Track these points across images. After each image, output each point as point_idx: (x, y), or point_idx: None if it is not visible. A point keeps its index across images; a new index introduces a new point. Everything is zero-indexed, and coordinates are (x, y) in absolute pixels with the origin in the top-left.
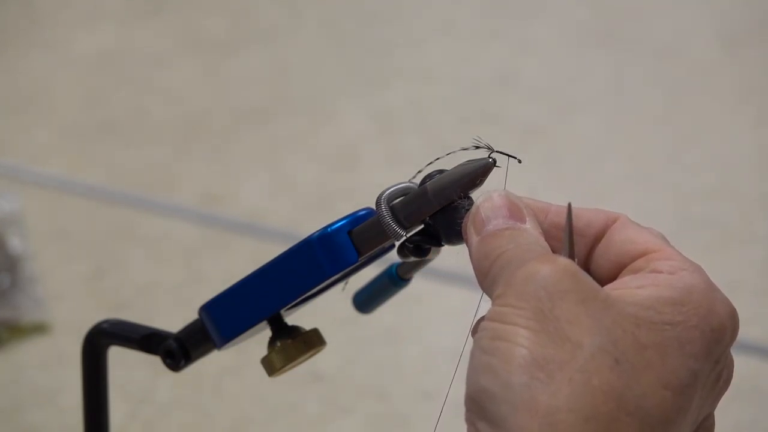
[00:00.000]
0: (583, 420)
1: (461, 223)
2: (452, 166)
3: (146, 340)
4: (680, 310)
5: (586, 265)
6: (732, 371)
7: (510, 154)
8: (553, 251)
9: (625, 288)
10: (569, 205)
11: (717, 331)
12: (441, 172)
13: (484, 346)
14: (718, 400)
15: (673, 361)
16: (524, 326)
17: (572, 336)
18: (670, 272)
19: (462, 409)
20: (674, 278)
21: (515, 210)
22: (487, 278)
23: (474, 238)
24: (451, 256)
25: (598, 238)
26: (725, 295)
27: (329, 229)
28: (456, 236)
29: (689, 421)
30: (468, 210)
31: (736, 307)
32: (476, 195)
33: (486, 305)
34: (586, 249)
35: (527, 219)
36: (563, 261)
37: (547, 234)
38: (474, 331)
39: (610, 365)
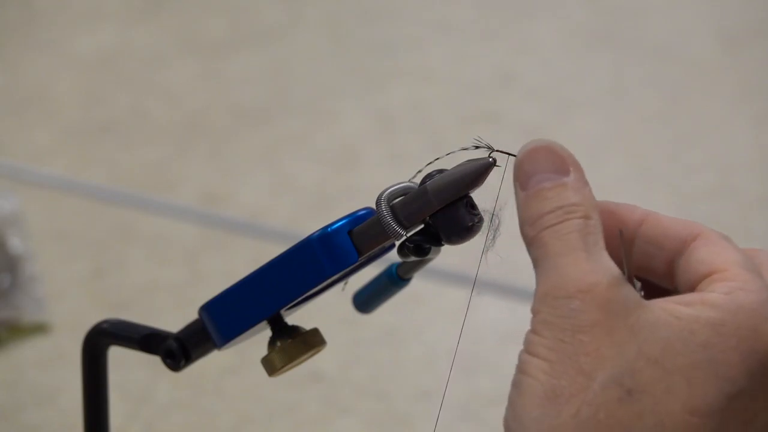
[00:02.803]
0: None
1: (461, 222)
2: (452, 166)
3: (146, 340)
4: (719, 331)
5: (670, 281)
6: None
7: (510, 153)
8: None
9: (672, 304)
10: (621, 231)
11: (765, 354)
12: (441, 172)
13: (513, 379)
14: None
15: (702, 386)
16: (543, 357)
17: (586, 368)
18: (725, 292)
19: (461, 410)
20: (726, 298)
21: (558, 161)
22: (531, 249)
23: (520, 194)
24: (451, 256)
25: (679, 251)
26: None
27: (329, 229)
28: (456, 236)
29: None
30: (468, 210)
31: None
32: (476, 195)
33: (477, 303)
34: (665, 262)
35: (571, 170)
36: (598, 286)
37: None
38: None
39: (619, 397)
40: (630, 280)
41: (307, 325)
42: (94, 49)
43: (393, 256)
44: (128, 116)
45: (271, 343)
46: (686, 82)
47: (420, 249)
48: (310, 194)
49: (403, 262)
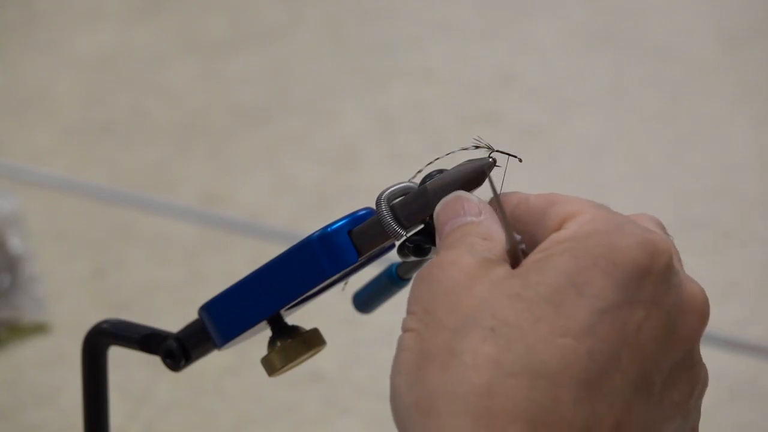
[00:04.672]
0: (460, 398)
1: None
2: (452, 166)
3: (146, 340)
4: (575, 255)
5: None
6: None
7: (510, 153)
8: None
9: (531, 255)
10: (495, 195)
11: (627, 265)
12: (441, 172)
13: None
14: (693, 391)
15: (570, 308)
16: (412, 329)
17: (448, 324)
18: (577, 226)
19: None
20: (577, 229)
21: (470, 206)
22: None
23: (438, 242)
24: None
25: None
26: (652, 234)
27: (329, 229)
28: None
29: (638, 378)
30: None
31: (735, 305)
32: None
33: None
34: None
35: (482, 212)
36: (465, 260)
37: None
38: None
39: (483, 337)
40: (513, 249)
41: (307, 325)
42: (94, 49)
43: (393, 256)
44: (128, 116)
45: (271, 343)
46: (686, 82)
47: (420, 249)
48: (310, 194)
49: (403, 262)
